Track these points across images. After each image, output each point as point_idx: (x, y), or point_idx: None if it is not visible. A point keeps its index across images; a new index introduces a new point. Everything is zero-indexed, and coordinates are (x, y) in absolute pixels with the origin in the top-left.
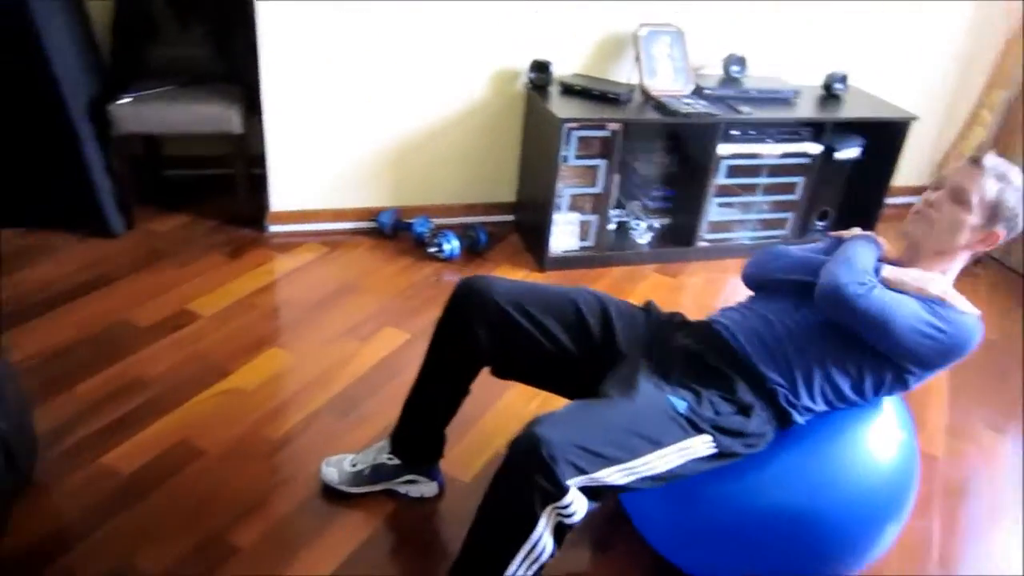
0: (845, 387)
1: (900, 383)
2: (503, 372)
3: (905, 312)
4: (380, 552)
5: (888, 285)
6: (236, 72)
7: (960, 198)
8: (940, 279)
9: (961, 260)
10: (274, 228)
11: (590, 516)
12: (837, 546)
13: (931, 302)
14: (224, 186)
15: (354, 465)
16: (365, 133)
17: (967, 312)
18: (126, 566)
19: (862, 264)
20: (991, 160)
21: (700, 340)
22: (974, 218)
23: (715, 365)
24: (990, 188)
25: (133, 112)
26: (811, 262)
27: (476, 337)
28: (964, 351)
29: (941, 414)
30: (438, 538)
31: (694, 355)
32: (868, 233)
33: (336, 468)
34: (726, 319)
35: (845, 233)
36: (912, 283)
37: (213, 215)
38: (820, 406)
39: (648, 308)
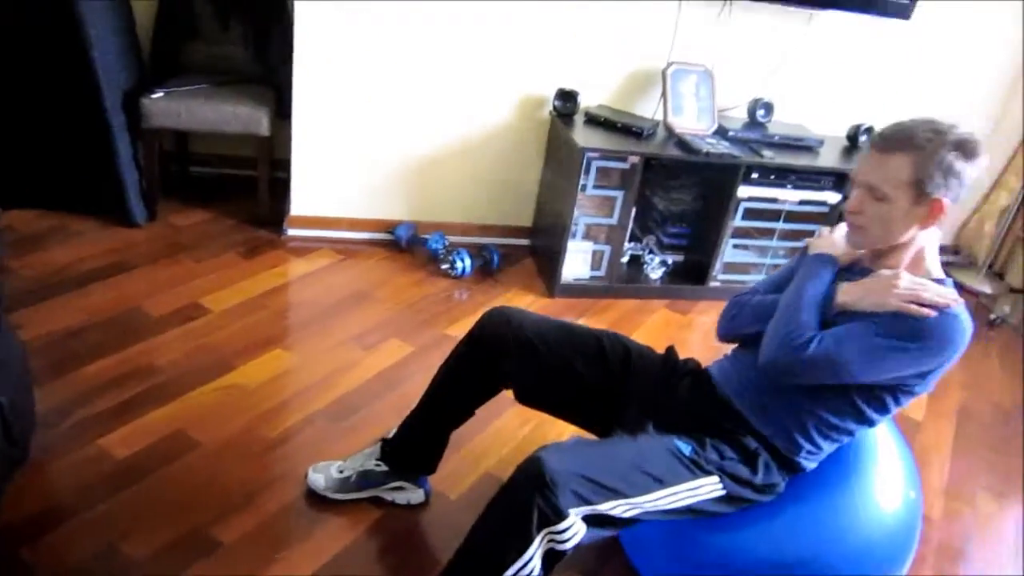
0: (844, 422)
1: (906, 395)
2: (526, 399)
3: (855, 348)
4: (361, 559)
5: (844, 311)
6: (270, 75)
7: (876, 193)
8: (902, 283)
9: (925, 238)
10: (292, 232)
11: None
12: None
13: (891, 319)
14: (247, 187)
15: (341, 471)
16: (389, 146)
17: (941, 310)
18: (110, 549)
19: (806, 307)
20: (884, 134)
21: (699, 393)
22: (899, 205)
23: (715, 418)
24: (898, 167)
25: (164, 107)
26: (769, 307)
27: (500, 365)
28: (949, 349)
29: (941, 475)
30: (420, 549)
31: (694, 409)
32: (818, 248)
33: (323, 474)
34: (718, 371)
35: (810, 242)
36: (865, 304)
37: (234, 214)
38: (825, 446)
39: (667, 356)
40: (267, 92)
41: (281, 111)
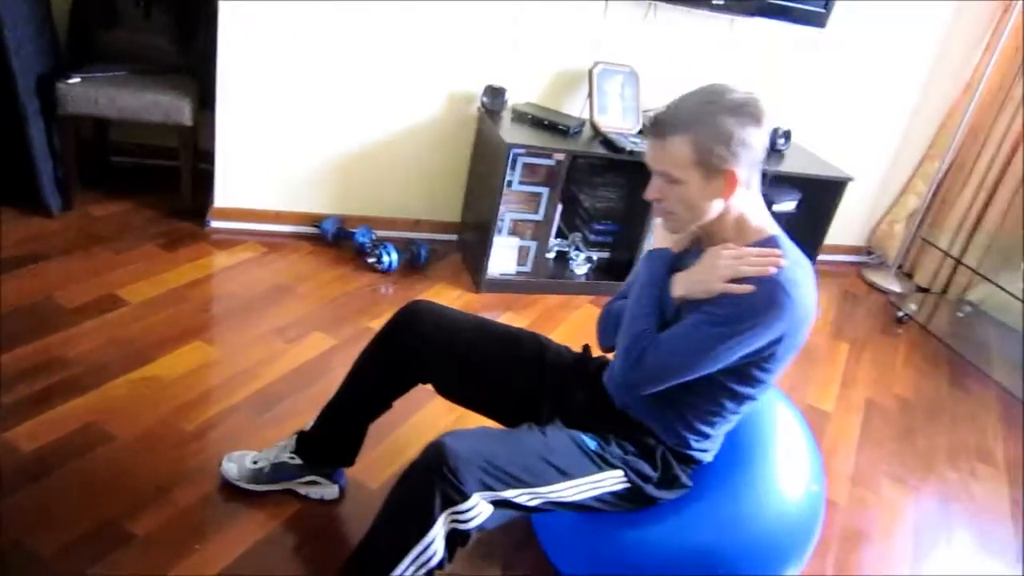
0: (722, 406)
1: (770, 362)
2: (445, 393)
3: (688, 344)
4: (278, 551)
5: (683, 304)
6: (193, 64)
7: (669, 177)
8: (722, 262)
9: (739, 204)
10: (215, 224)
11: (498, 534)
12: None
13: (720, 304)
14: (169, 178)
15: (255, 462)
16: (315, 139)
17: (763, 280)
18: (15, 546)
19: (639, 313)
20: (657, 117)
21: (599, 392)
22: (695, 181)
23: (615, 418)
24: (677, 148)
25: (82, 92)
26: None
27: (418, 358)
28: (781, 316)
29: (847, 463)
30: (338, 541)
31: (599, 408)
32: (656, 244)
33: (237, 464)
34: (608, 375)
35: (653, 232)
36: (697, 292)
37: (155, 205)
38: (712, 431)
39: (581, 354)
40: (190, 81)
41: (205, 101)
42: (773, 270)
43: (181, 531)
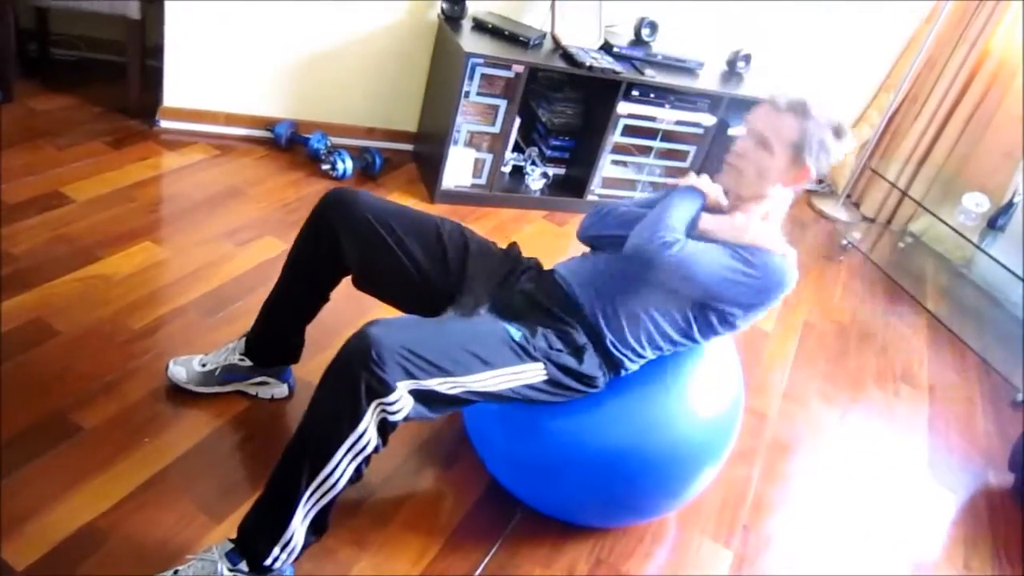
0: (672, 331)
1: (726, 324)
2: (362, 283)
3: (709, 261)
4: (226, 445)
5: (704, 236)
6: None
7: (764, 143)
8: (754, 226)
9: (783, 199)
10: (164, 124)
11: (439, 434)
12: (655, 483)
13: (741, 249)
14: (115, 74)
15: (204, 365)
16: (272, 39)
17: (778, 254)
18: None
19: (675, 218)
20: (786, 98)
21: (540, 287)
22: (779, 160)
23: (551, 310)
24: (789, 128)
25: None
26: (635, 217)
27: (340, 245)
28: (779, 288)
29: (781, 379)
30: (286, 438)
31: (534, 300)
32: (692, 183)
33: (184, 367)
34: (565, 269)
35: (680, 181)
36: (724, 233)
37: (100, 102)
38: (648, 352)
39: (509, 250)
40: None
41: None
42: (790, 254)
43: (128, 426)
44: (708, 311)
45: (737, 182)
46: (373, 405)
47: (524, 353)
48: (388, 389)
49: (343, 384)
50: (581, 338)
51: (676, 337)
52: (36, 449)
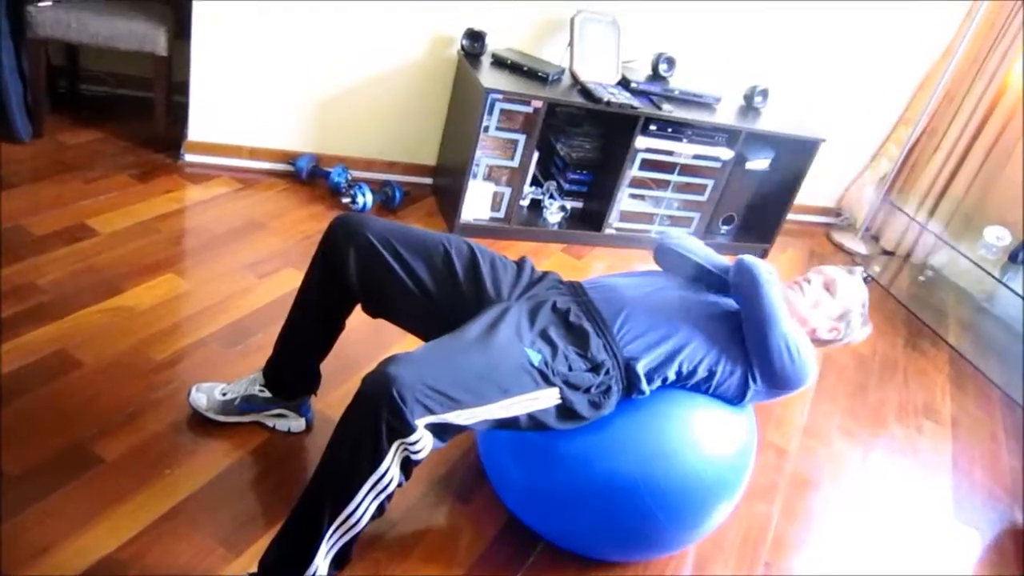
0: (697, 373)
1: (739, 393)
2: (373, 310)
3: (787, 320)
4: (245, 479)
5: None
6: None
7: (830, 288)
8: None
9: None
10: (189, 157)
11: (456, 468)
12: (670, 515)
13: (803, 337)
14: (142, 108)
15: (224, 394)
16: (293, 74)
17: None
18: None
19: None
20: (859, 276)
21: (568, 297)
22: (833, 307)
23: (576, 322)
24: (850, 292)
25: (53, 16)
26: (717, 257)
27: (346, 272)
28: (797, 385)
29: (801, 414)
30: (304, 472)
31: (559, 310)
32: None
33: (206, 395)
34: (598, 284)
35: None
36: (801, 311)
37: (127, 136)
38: (668, 379)
39: (520, 262)
40: (165, 10)
41: (180, 30)
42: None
43: (149, 457)
44: (738, 368)
45: (798, 299)
46: (395, 445)
47: (542, 378)
48: (410, 429)
49: (364, 425)
50: (601, 354)
51: (698, 381)
52: (58, 480)
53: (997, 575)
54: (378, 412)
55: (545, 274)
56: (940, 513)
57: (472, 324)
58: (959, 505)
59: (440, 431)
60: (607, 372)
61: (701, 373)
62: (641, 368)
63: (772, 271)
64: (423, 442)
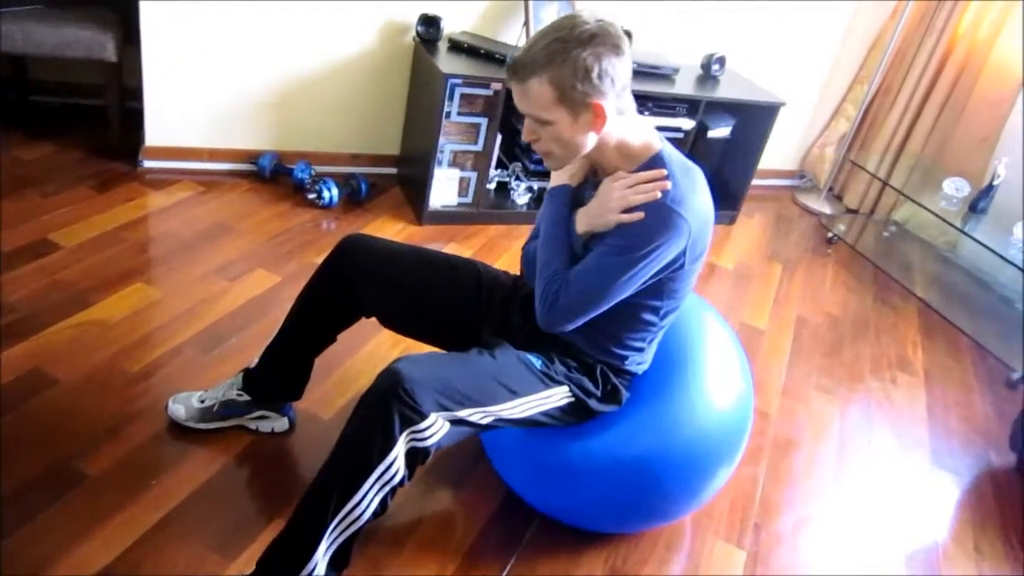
0: (647, 320)
1: (676, 280)
2: (388, 323)
3: (597, 278)
4: (233, 484)
5: (585, 238)
6: None
7: (538, 117)
8: (615, 193)
9: (616, 132)
10: (148, 164)
11: (450, 454)
12: (677, 486)
13: (616, 237)
14: (96, 117)
15: (202, 401)
16: (249, 72)
17: (654, 205)
18: None
19: (551, 251)
20: (513, 61)
21: (529, 317)
22: (563, 120)
23: (555, 339)
24: (537, 88)
25: None
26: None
27: (358, 292)
28: (676, 236)
29: (779, 376)
30: (293, 471)
31: (529, 331)
32: (554, 181)
33: (183, 405)
34: None
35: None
36: (599, 224)
37: (82, 146)
38: (645, 344)
39: (518, 278)
40: (110, 15)
41: (129, 35)
42: (659, 194)
43: (134, 470)
44: (654, 287)
45: (556, 163)
46: (405, 434)
47: (548, 379)
48: (422, 416)
49: (376, 415)
50: (587, 358)
51: (655, 319)
52: (44, 500)
53: (976, 517)
54: (389, 403)
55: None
56: (919, 461)
57: (473, 348)
58: (936, 452)
59: (456, 423)
60: (602, 373)
61: (653, 319)
62: (620, 359)
63: (552, 246)
64: (435, 428)
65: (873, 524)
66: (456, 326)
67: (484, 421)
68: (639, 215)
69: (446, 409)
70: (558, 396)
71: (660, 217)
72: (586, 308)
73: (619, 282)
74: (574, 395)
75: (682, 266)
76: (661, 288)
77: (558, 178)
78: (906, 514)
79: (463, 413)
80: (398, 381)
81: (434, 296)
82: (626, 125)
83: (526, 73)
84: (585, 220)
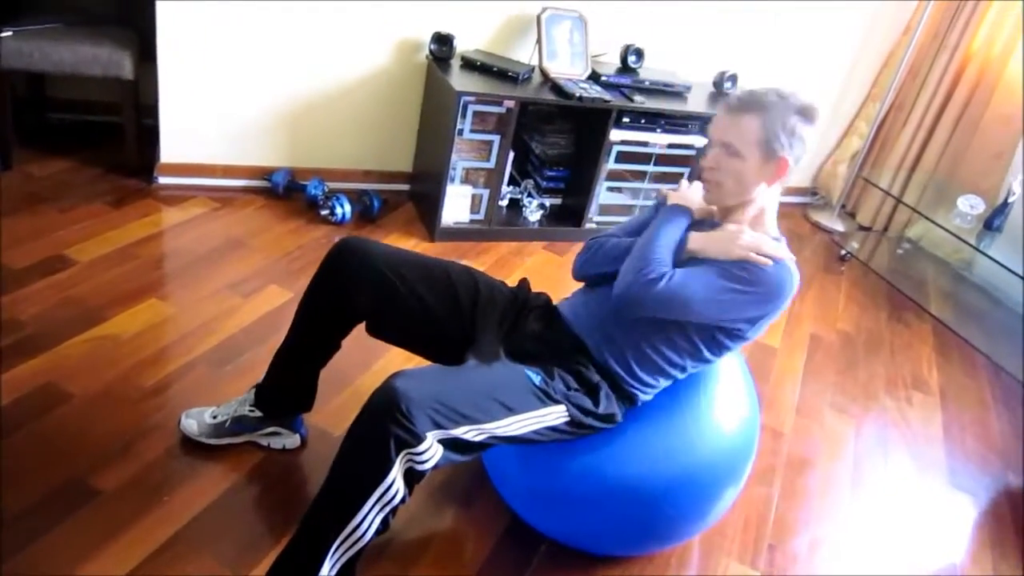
0: (681, 358)
1: (735, 339)
2: (376, 331)
3: (701, 286)
4: (244, 500)
5: (694, 258)
6: (130, 15)
7: (731, 150)
8: (745, 237)
9: (770, 196)
10: (163, 180)
11: (456, 474)
12: (678, 508)
13: (734, 266)
14: (112, 134)
15: (215, 417)
16: (263, 90)
17: (777, 262)
18: None
19: (660, 248)
20: (738, 97)
21: (550, 327)
22: (752, 162)
23: (562, 350)
24: (750, 127)
25: (15, 47)
26: (625, 249)
27: (351, 296)
28: (780, 297)
29: (792, 395)
30: (304, 488)
31: (544, 341)
32: (677, 199)
33: (196, 420)
34: (567, 307)
35: (669, 194)
36: (714, 251)
37: (99, 163)
38: (661, 382)
39: (518, 290)
40: (128, 33)
41: (145, 53)
42: (787, 259)
43: (146, 485)
44: (714, 331)
45: (719, 196)
46: (401, 456)
47: (545, 396)
48: (418, 440)
49: (372, 436)
50: (594, 376)
51: (687, 363)
52: (57, 515)
53: (995, 539)
54: (385, 424)
55: (537, 297)
56: (935, 481)
57: (470, 355)
58: (953, 472)
59: (453, 446)
60: (606, 395)
61: (686, 361)
62: (634, 383)
63: (661, 241)
64: (430, 452)
65: (889, 545)
66: (448, 336)
67: (478, 439)
68: (767, 260)
69: (441, 427)
70: (554, 415)
71: (779, 272)
72: (675, 302)
73: (716, 300)
74: (570, 415)
75: (750, 327)
76: (716, 339)
77: (679, 201)
78: (923, 535)
79: (458, 431)
80: (394, 400)
81: (427, 303)
82: (773, 200)
83: (745, 108)
84: (704, 242)
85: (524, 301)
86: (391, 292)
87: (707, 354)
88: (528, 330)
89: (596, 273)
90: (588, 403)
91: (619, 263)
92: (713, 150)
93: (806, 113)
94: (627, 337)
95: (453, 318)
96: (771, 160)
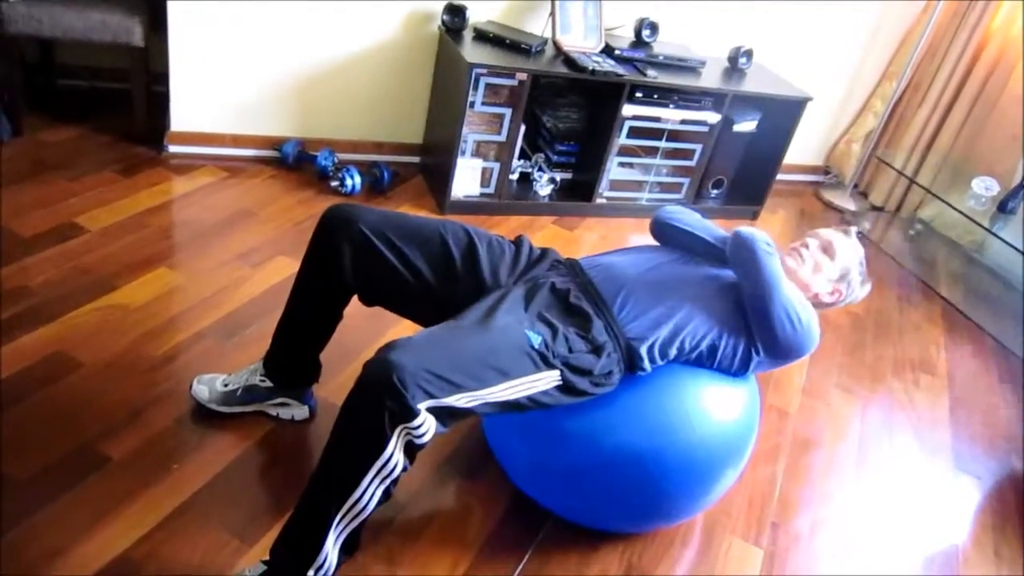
0: (699, 349)
1: (743, 365)
2: (368, 299)
3: (787, 288)
4: (252, 470)
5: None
6: None
7: (827, 251)
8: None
9: (819, 287)
10: (173, 149)
11: (460, 447)
12: (679, 485)
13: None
14: (122, 101)
15: (226, 385)
16: (274, 59)
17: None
18: None
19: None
20: (856, 236)
21: (567, 277)
22: (832, 269)
23: (576, 303)
24: (847, 254)
25: (24, 12)
26: (715, 229)
27: (341, 265)
28: (801, 353)
29: (799, 375)
30: (311, 459)
31: (559, 291)
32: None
33: (207, 386)
34: (597, 263)
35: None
36: (803, 276)
37: (108, 130)
38: (670, 357)
39: (518, 242)
40: (138, 0)
41: (155, 20)
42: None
43: (156, 454)
44: (741, 341)
45: (798, 266)
46: (398, 430)
47: (542, 360)
48: (413, 415)
49: (366, 412)
50: (602, 336)
51: (702, 357)
52: (66, 482)
53: (997, 522)
54: (379, 398)
55: (544, 252)
56: (940, 463)
57: (470, 311)
58: (958, 455)
59: (443, 415)
60: (608, 355)
61: (704, 349)
62: (644, 349)
63: (770, 242)
64: (426, 426)
65: (892, 525)
66: (439, 298)
67: (470, 405)
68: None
69: (434, 397)
70: (545, 381)
71: (817, 331)
72: (770, 280)
73: (786, 305)
74: (563, 379)
75: (764, 357)
76: (732, 350)
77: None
78: (926, 516)
79: (450, 399)
80: (387, 374)
81: (417, 268)
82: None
83: (857, 249)
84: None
85: (531, 251)
86: (374, 255)
87: (715, 363)
88: (544, 279)
89: (677, 229)
90: (588, 361)
91: (703, 232)
92: (816, 240)
93: (866, 281)
94: (674, 306)
95: (447, 278)
96: (838, 283)
